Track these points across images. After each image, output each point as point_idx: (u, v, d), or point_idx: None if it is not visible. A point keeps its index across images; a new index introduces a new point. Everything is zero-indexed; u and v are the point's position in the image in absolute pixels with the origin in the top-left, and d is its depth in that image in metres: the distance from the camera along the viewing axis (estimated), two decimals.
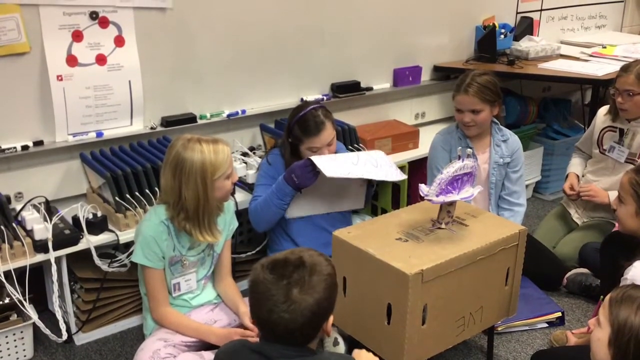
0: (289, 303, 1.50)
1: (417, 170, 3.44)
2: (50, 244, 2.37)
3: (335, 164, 2.50)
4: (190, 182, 2.16)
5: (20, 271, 2.34)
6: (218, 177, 2.20)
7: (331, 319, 1.61)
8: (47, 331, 2.39)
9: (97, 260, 2.49)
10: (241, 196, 2.85)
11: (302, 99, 3.29)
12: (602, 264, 2.73)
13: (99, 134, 2.76)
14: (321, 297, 1.53)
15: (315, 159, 2.51)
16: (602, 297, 2.49)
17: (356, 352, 1.81)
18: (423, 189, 2.16)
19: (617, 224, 2.71)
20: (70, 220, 2.54)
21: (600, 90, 3.81)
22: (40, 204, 2.57)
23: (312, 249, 1.62)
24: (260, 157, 3.03)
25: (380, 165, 2.58)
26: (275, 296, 1.50)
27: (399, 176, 2.62)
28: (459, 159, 2.17)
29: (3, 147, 2.55)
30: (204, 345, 2.29)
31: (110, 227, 2.56)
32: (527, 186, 3.67)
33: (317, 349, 1.62)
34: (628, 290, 1.72)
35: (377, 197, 3.30)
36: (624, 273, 2.26)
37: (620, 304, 1.68)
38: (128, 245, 2.54)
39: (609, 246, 2.67)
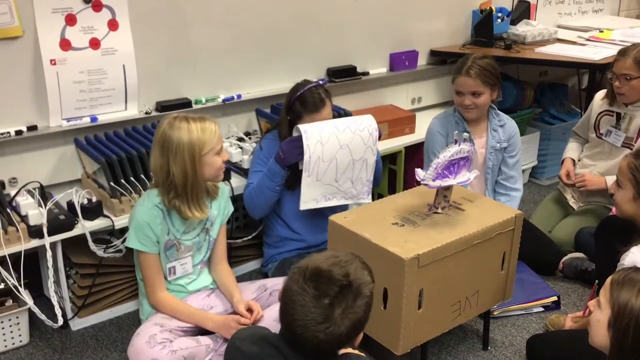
0: (328, 325, 1.43)
1: (414, 155, 3.44)
2: (45, 230, 2.36)
3: (319, 128, 2.50)
4: (178, 158, 2.16)
5: (15, 257, 2.33)
6: (206, 153, 2.19)
7: (361, 334, 1.56)
8: (42, 316, 2.39)
9: (93, 246, 2.48)
10: (236, 181, 2.85)
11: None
12: (597, 248, 2.73)
13: (93, 119, 2.74)
14: (360, 320, 1.48)
15: (302, 125, 2.50)
16: (597, 281, 2.51)
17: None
18: (419, 173, 2.16)
19: (613, 209, 2.71)
20: (65, 206, 2.53)
21: (597, 74, 3.80)
22: (34, 189, 2.56)
23: (355, 258, 1.53)
24: (256, 142, 3.02)
25: (359, 176, 2.62)
26: (314, 314, 1.43)
27: (364, 197, 2.67)
28: (456, 143, 2.16)
29: None
30: (200, 331, 2.29)
31: (106, 212, 2.55)
32: (523, 171, 3.67)
33: None
34: (630, 273, 1.72)
35: None
36: (620, 258, 2.26)
37: (621, 286, 1.69)
38: (123, 230, 2.53)
39: (604, 231, 2.67)
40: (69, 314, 2.59)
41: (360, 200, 2.68)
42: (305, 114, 2.60)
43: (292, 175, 2.62)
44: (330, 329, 1.43)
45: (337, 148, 2.52)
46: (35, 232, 2.37)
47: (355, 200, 2.65)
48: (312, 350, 1.48)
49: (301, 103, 2.60)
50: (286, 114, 2.66)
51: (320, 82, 2.72)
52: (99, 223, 2.51)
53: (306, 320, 1.43)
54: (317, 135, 2.48)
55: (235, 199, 2.74)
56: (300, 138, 2.49)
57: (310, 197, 2.56)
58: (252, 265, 3.07)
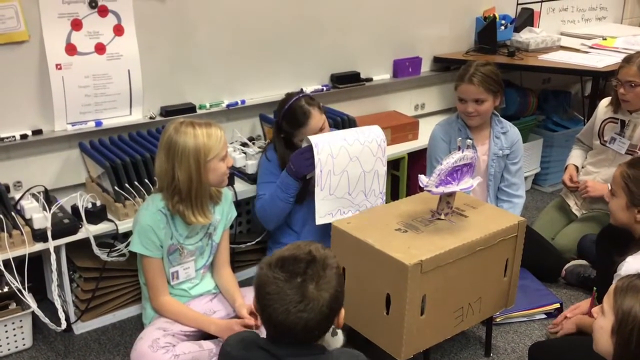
0: (307, 302, 1.44)
1: (417, 161, 3.44)
2: (49, 233, 2.37)
3: (329, 140, 2.50)
4: (183, 163, 2.16)
5: (20, 260, 2.34)
6: (212, 159, 2.20)
7: (342, 311, 1.58)
8: (46, 320, 2.39)
9: (96, 250, 2.49)
10: (240, 186, 2.85)
11: (301, 90, 3.29)
12: (597, 256, 2.74)
13: (98, 124, 2.75)
14: (336, 290, 1.50)
15: (312, 137, 2.50)
16: (595, 288, 2.51)
17: None
18: (422, 179, 2.16)
19: None
20: (69, 210, 2.53)
21: (600, 82, 3.80)
22: (39, 193, 2.56)
23: (314, 242, 1.58)
24: (259, 148, 3.03)
25: (371, 190, 2.61)
26: (291, 296, 1.44)
27: (378, 200, 2.64)
28: (459, 150, 2.17)
29: (2, 136, 2.54)
30: (202, 335, 2.29)
31: (109, 216, 2.55)
32: (526, 178, 3.67)
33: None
34: (633, 280, 1.72)
35: None
36: (617, 269, 2.26)
37: (625, 293, 1.69)
38: (127, 234, 2.53)
39: (604, 239, 2.67)
40: (72, 318, 2.59)
41: (376, 202, 2.65)
42: (296, 131, 2.61)
43: (300, 189, 2.62)
44: (310, 305, 1.45)
45: (347, 161, 2.52)
46: (39, 235, 2.37)
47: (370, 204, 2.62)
48: (301, 337, 1.49)
49: (287, 121, 2.61)
50: (278, 133, 2.67)
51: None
52: (102, 227, 2.51)
53: (285, 303, 1.45)
54: (327, 149, 2.48)
55: (239, 204, 2.75)
56: (309, 149, 2.49)
57: (325, 212, 2.54)
58: (256, 270, 3.07)
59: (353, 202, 2.58)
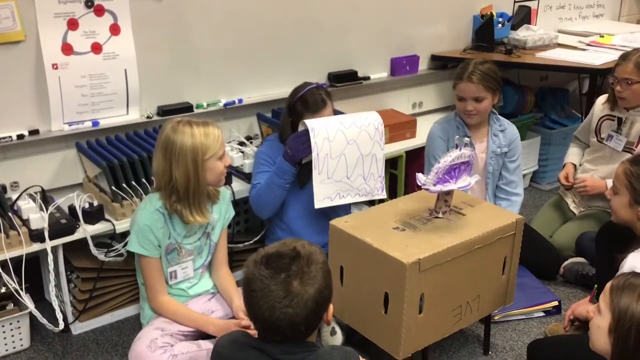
0: (292, 297, 1.45)
1: (415, 159, 3.44)
2: (46, 234, 2.36)
3: (325, 124, 2.52)
4: (180, 162, 2.16)
5: (17, 261, 2.34)
6: (209, 158, 2.20)
7: (331, 307, 1.58)
8: (43, 320, 2.39)
9: (94, 250, 2.48)
10: (238, 185, 2.85)
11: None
12: (597, 253, 2.73)
13: (95, 123, 2.74)
14: (322, 285, 1.49)
15: (308, 121, 2.51)
16: (595, 285, 2.51)
17: None
18: (420, 178, 2.16)
19: None
20: (66, 210, 2.53)
21: (597, 79, 3.80)
22: (36, 193, 2.56)
23: (300, 239, 1.59)
24: (257, 147, 3.02)
25: (370, 176, 2.61)
26: (275, 292, 1.45)
27: (379, 193, 2.65)
28: (457, 148, 2.17)
29: None
30: (201, 335, 2.29)
31: (107, 216, 2.55)
32: (524, 176, 3.67)
33: (315, 340, 1.61)
34: (629, 278, 1.72)
35: None
36: (619, 266, 2.26)
37: (621, 291, 1.68)
38: (124, 234, 2.53)
39: (604, 236, 2.67)
40: (70, 318, 2.59)
41: (375, 196, 2.66)
42: (307, 114, 2.60)
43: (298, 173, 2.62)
44: (295, 301, 1.45)
45: (345, 144, 2.52)
46: (36, 236, 2.37)
47: (370, 196, 2.63)
48: (289, 333, 1.48)
49: (302, 103, 2.60)
50: (288, 115, 2.67)
51: (321, 84, 2.73)
52: (100, 227, 2.51)
53: (270, 300, 1.45)
54: (324, 132, 2.49)
55: (237, 203, 2.74)
56: (305, 133, 2.49)
57: (324, 195, 2.54)
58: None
59: (352, 186, 2.58)
